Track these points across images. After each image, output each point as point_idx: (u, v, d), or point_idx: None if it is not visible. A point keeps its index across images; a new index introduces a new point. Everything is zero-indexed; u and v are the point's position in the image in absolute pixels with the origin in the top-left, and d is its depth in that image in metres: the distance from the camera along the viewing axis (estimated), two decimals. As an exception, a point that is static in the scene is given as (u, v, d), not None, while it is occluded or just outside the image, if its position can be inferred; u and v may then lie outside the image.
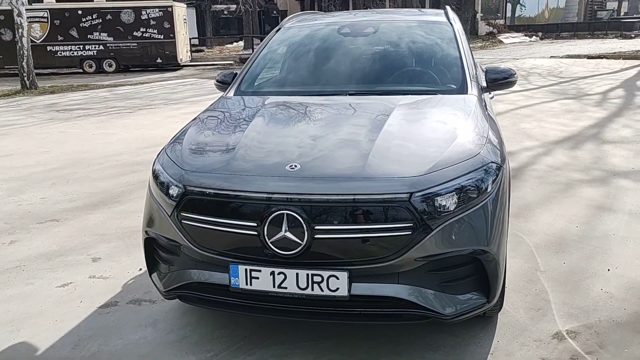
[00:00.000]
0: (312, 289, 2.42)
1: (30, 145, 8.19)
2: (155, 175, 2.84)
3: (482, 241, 2.46)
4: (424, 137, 2.81)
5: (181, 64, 23.02)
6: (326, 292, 2.41)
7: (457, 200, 2.42)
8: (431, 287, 2.45)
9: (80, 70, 22.09)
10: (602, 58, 19.53)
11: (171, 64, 22.58)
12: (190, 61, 24.59)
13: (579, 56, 20.65)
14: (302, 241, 2.36)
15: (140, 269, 3.85)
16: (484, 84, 3.61)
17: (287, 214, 2.37)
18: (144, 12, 21.93)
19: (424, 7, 33.80)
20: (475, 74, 3.58)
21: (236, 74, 4.00)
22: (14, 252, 4.23)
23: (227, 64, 24.57)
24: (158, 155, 3.01)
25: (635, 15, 43.36)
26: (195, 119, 3.37)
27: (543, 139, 7.45)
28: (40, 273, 3.86)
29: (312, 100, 3.42)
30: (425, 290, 2.44)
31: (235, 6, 34.44)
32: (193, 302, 2.76)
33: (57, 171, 6.61)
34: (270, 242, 2.40)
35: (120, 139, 8.47)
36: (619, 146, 6.85)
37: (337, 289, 2.40)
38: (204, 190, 2.54)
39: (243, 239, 2.47)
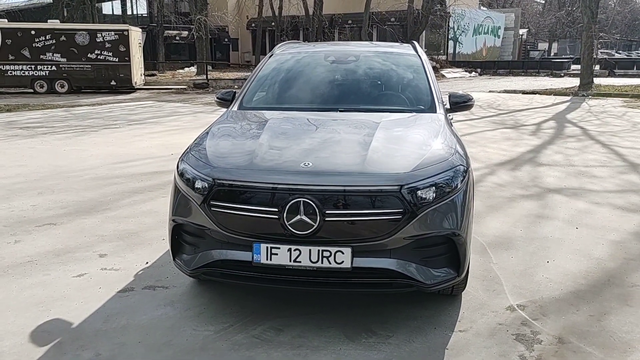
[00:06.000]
0: (322, 262, 2.99)
1: (3, 159, 8.39)
2: (181, 173, 3.37)
3: (456, 226, 3.12)
4: (406, 144, 3.48)
5: (135, 87, 23.19)
6: (333, 265, 2.99)
7: (435, 193, 3.07)
8: (416, 261, 3.09)
9: (31, 90, 21.88)
10: (535, 94, 21.21)
11: (125, 86, 22.73)
12: (144, 85, 24.77)
13: (514, 91, 22.32)
14: (315, 223, 2.94)
15: (147, 263, 4.30)
16: (448, 106, 4.35)
17: (303, 201, 2.95)
18: (99, 35, 22.06)
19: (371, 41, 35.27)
20: (441, 97, 4.32)
21: (235, 92, 4.58)
22: (22, 250, 4.58)
23: (181, 88, 24.88)
24: (181, 159, 3.52)
25: (564, 56, 46.66)
26: (210, 128, 3.90)
27: (487, 161, 8.34)
28: (53, 266, 4.24)
29: (310, 114, 4.06)
30: (411, 264, 3.07)
31: (187, 32, 34.92)
32: (217, 277, 3.27)
33: (39, 182, 6.90)
34: (289, 224, 2.96)
35: (92, 154, 8.79)
36: (552, 168, 7.80)
37: (342, 262, 2.99)
38: (232, 183, 3.10)
39: (265, 221, 3.03)
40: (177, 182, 3.42)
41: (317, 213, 2.93)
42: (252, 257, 3.06)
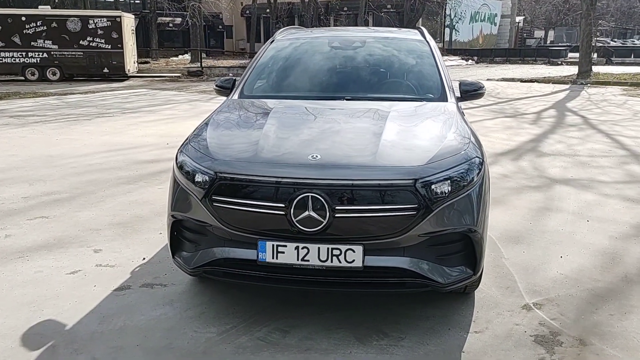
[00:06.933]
0: (332, 261, 2.82)
1: (-7, 149, 8.15)
2: (180, 166, 3.17)
3: (472, 221, 2.95)
4: (419, 135, 3.30)
5: (129, 75, 22.84)
6: (344, 264, 2.82)
7: (451, 187, 2.90)
8: (430, 260, 2.92)
9: (22, 78, 21.50)
10: (533, 82, 21.01)
11: (118, 74, 22.38)
12: (137, 72, 24.41)
13: (513, 79, 22.12)
14: (324, 219, 2.76)
15: (144, 258, 4.12)
16: (458, 94, 4.16)
17: (311, 196, 2.76)
18: (91, 22, 21.66)
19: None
20: (451, 85, 4.13)
21: (235, 80, 4.37)
22: (13, 245, 4.38)
23: (175, 76, 24.55)
24: (180, 150, 3.32)
25: (560, 44, 46.45)
26: (210, 117, 3.70)
27: (489, 151, 8.15)
28: (46, 262, 4.05)
29: (315, 103, 3.86)
30: (425, 262, 2.90)
31: (180, 19, 34.44)
32: (219, 276, 3.09)
33: (31, 173, 6.68)
34: (296, 221, 2.78)
35: (86, 144, 8.56)
36: (556, 158, 7.64)
37: (353, 260, 2.81)
38: (235, 176, 2.91)
39: (271, 218, 2.84)
40: (176, 175, 3.22)
41: (327, 209, 2.76)
42: (257, 256, 2.88)
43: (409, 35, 4.82)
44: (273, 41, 4.75)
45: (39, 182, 6.27)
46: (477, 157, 3.12)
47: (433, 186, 2.85)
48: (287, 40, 4.75)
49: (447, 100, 3.92)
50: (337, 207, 2.77)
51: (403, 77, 4.26)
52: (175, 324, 3.21)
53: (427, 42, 4.58)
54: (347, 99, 3.91)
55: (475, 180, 3.03)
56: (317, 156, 2.93)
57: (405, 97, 3.99)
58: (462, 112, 3.88)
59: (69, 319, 3.25)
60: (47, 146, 8.37)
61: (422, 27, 5.11)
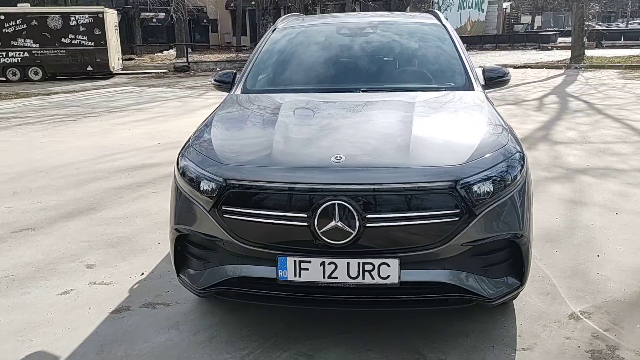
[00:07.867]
0: (363, 278, 2.45)
1: (-26, 155, 7.68)
2: (183, 172, 2.78)
3: (519, 225, 2.59)
4: (452, 129, 2.93)
5: (113, 72, 22.24)
6: (377, 280, 2.45)
7: (495, 187, 2.54)
8: (474, 271, 2.56)
9: (3, 79, 20.85)
10: (527, 67, 20.73)
11: (102, 72, 21.77)
12: (122, 69, 23.80)
13: (505, 66, 21.69)
14: (354, 230, 2.39)
15: (143, 274, 3.73)
16: (482, 82, 3.79)
17: (338, 204, 2.39)
18: (72, 18, 21.02)
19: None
20: (475, 73, 3.75)
21: (235, 73, 3.98)
22: (-4, 262, 3.97)
23: (161, 72, 23.93)
24: (181, 154, 2.93)
25: (549, 29, 46.28)
26: (212, 116, 3.29)
27: (497, 141, 7.80)
28: (34, 282, 3.65)
29: (328, 96, 3.47)
30: (469, 274, 2.54)
31: (164, 14, 33.77)
32: (232, 297, 2.72)
33: (14, 180, 6.24)
34: (321, 233, 2.41)
35: (72, 147, 8.10)
36: (569, 146, 7.31)
37: (388, 276, 2.44)
38: (249, 183, 2.53)
39: (292, 230, 2.47)
40: (178, 183, 2.83)
41: (356, 218, 2.39)
42: (277, 274, 2.50)
43: (424, 19, 4.42)
44: (275, 30, 4.34)
45: (24, 190, 5.83)
46: (518, 152, 2.77)
47: (475, 187, 2.49)
48: (290, 28, 4.34)
49: (473, 89, 3.55)
50: (367, 216, 2.40)
51: (422, 65, 3.87)
52: (183, 350, 2.83)
53: (444, 26, 4.19)
54: (363, 91, 3.53)
55: (518, 178, 2.67)
56: (341, 157, 2.55)
57: (427, 87, 3.61)
58: (492, 102, 3.51)
59: (62, 349, 2.86)
60: (31, 150, 7.91)
61: (437, 11, 4.72)
